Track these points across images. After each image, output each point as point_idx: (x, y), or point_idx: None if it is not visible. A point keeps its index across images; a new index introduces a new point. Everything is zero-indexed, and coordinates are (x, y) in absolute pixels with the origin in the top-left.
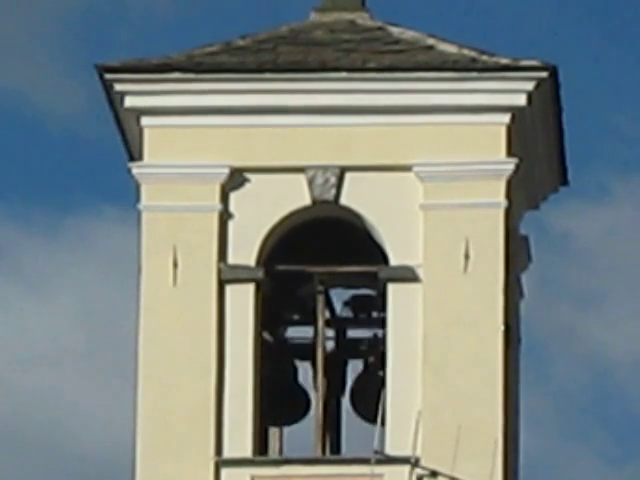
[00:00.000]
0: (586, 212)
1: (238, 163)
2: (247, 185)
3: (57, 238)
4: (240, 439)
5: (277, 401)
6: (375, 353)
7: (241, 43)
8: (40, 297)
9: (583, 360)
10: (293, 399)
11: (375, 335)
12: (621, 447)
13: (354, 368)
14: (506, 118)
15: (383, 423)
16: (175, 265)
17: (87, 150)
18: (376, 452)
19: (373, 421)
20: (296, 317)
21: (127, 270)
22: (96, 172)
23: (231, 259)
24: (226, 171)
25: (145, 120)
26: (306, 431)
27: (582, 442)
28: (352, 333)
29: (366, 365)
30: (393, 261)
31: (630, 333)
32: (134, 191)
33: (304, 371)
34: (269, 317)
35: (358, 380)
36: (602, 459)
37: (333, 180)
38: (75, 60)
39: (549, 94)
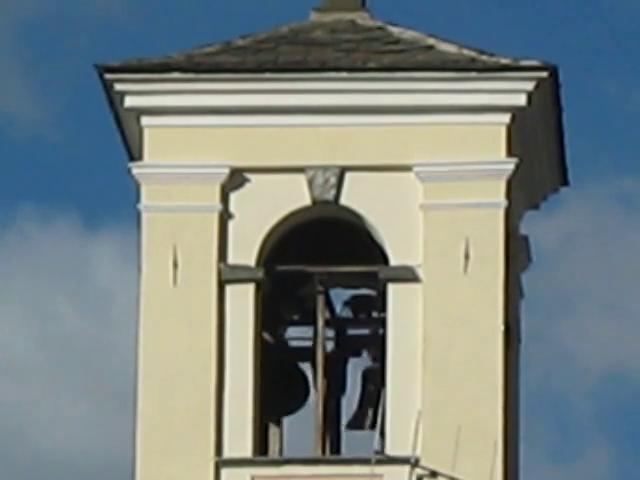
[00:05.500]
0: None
1: (238, 163)
2: (247, 185)
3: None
4: (240, 439)
5: (277, 386)
6: (375, 348)
7: (241, 43)
8: None
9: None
10: (292, 383)
11: (375, 331)
12: (570, 446)
13: (354, 368)
14: (506, 118)
15: (382, 435)
16: (175, 265)
17: (34, 154)
18: (376, 452)
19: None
20: (296, 317)
21: (75, 274)
22: (45, 176)
23: (231, 259)
24: (226, 171)
25: (145, 120)
26: (306, 431)
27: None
28: (352, 333)
29: (362, 395)
30: (393, 261)
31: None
32: (92, 196)
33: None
34: (269, 317)
35: (355, 415)
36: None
37: (333, 180)
38: (74, 61)
39: (549, 94)
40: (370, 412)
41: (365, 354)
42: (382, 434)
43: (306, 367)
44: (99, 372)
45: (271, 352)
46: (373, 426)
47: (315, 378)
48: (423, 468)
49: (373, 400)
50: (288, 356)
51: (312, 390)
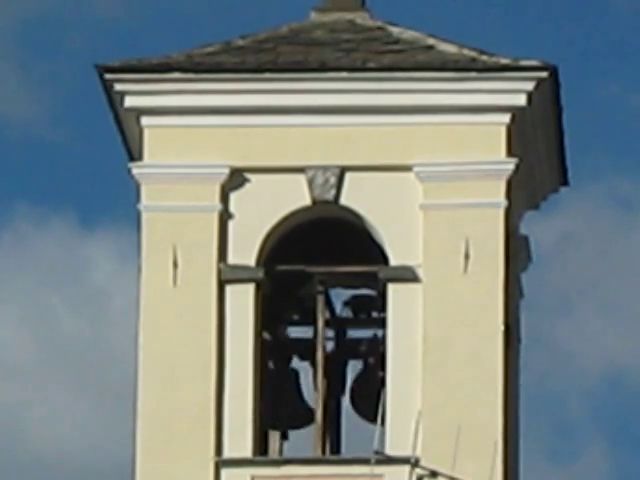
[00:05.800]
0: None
1: (238, 163)
2: (247, 185)
3: None
4: (240, 439)
5: (280, 417)
6: (375, 353)
7: (241, 43)
8: None
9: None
10: (296, 416)
11: (375, 335)
12: (569, 446)
13: (354, 368)
14: (506, 118)
15: (383, 422)
16: (175, 265)
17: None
18: (376, 452)
19: (373, 420)
20: (296, 317)
21: (73, 275)
22: (35, 176)
23: (231, 259)
24: (226, 171)
25: (145, 120)
26: (306, 431)
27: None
28: (352, 333)
29: (365, 364)
30: (393, 261)
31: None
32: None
33: (304, 371)
34: (269, 317)
35: (357, 379)
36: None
37: (333, 180)
38: (74, 61)
39: (549, 94)
40: (371, 394)
41: (365, 356)
42: (382, 434)
43: (306, 367)
44: (99, 372)
45: (271, 352)
46: (375, 415)
47: (315, 378)
48: (423, 468)
49: (374, 386)
50: (288, 356)
51: (312, 393)
